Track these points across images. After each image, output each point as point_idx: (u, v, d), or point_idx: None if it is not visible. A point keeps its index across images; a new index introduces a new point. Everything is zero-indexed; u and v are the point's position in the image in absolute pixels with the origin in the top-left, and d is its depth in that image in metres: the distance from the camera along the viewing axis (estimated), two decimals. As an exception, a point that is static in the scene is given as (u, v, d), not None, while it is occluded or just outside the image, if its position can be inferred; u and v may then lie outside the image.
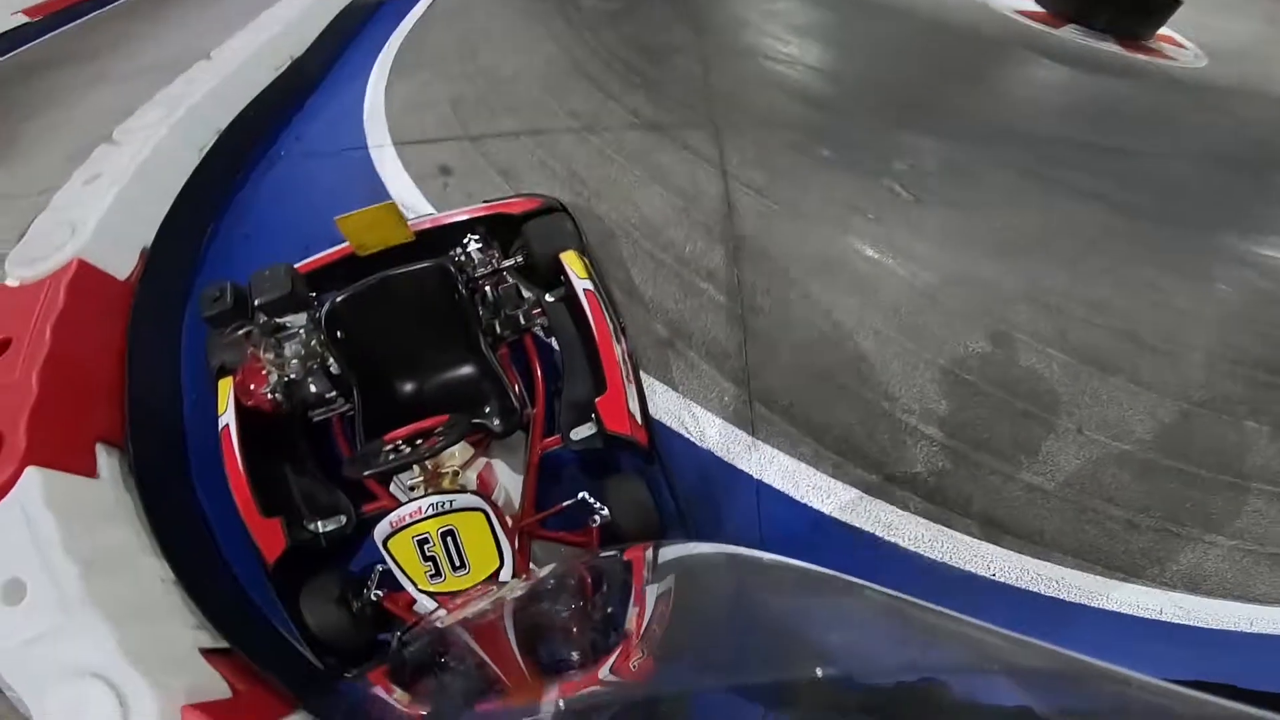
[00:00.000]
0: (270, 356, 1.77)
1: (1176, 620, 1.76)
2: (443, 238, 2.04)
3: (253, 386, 1.74)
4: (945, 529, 1.87)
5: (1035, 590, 1.78)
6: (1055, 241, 2.96)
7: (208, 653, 1.35)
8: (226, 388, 1.73)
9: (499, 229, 2.15)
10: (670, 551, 1.02)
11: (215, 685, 1.28)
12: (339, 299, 1.80)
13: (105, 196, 2.15)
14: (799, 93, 3.87)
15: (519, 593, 1.08)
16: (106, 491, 1.58)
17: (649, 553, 1.03)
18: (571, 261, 1.98)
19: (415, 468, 1.59)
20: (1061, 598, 1.77)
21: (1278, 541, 1.96)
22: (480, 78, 3.73)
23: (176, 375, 2.09)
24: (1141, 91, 4.82)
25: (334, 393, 1.82)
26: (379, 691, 1.02)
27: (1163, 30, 5.80)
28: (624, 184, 2.92)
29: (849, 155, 3.29)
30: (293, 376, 1.77)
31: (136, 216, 2.25)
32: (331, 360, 1.80)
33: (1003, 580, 1.79)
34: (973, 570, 1.80)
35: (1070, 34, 5.65)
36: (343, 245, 2.02)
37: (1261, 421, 2.29)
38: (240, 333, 1.82)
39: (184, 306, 2.31)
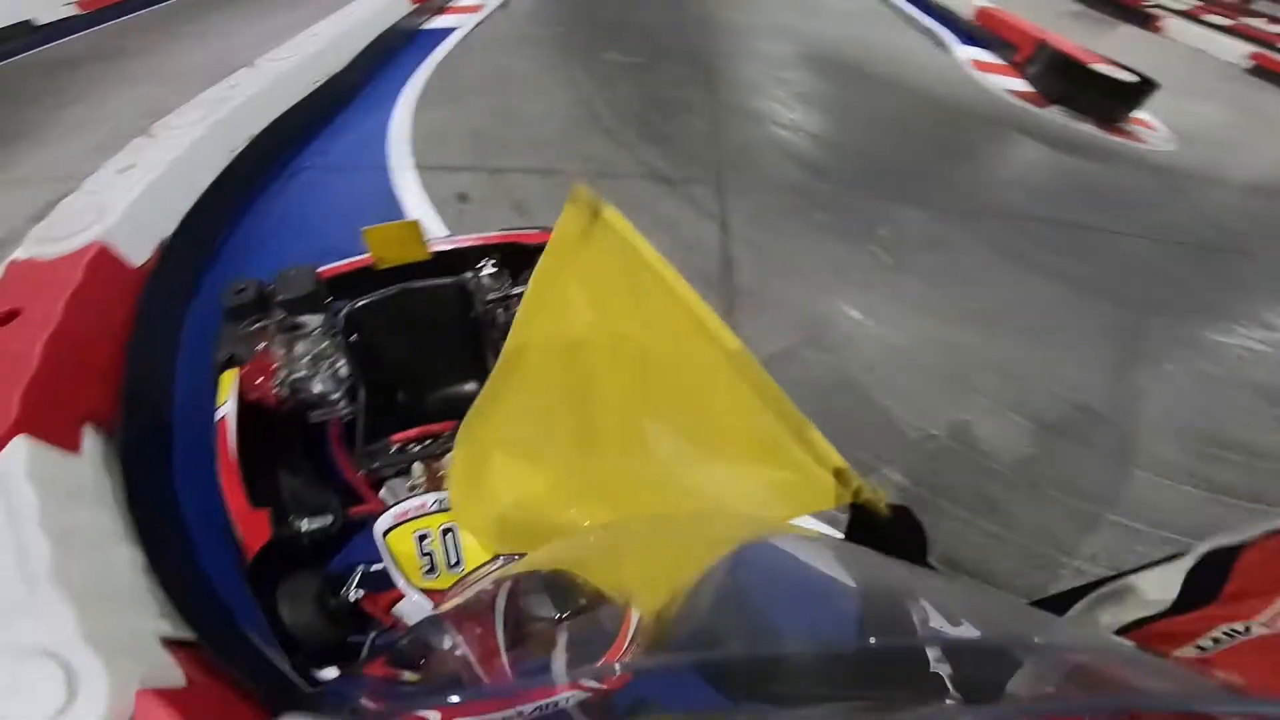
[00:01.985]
0: (282, 352, 1.80)
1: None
2: (457, 260, 2.11)
3: (260, 379, 1.75)
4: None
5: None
6: (1023, 314, 3.21)
7: (168, 642, 1.30)
8: (230, 379, 1.71)
9: (512, 258, 2.21)
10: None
11: (171, 674, 1.23)
12: (359, 304, 1.86)
13: (136, 186, 2.21)
14: (798, 157, 4.15)
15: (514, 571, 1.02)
16: (88, 471, 1.57)
17: None
18: None
19: (417, 470, 1.66)
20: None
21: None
22: (503, 114, 3.97)
23: (173, 368, 2.13)
24: (1114, 172, 5.16)
25: (338, 394, 1.84)
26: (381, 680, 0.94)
27: (1138, 114, 6.20)
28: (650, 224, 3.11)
29: (839, 220, 3.54)
30: (301, 374, 1.79)
31: (161, 209, 2.32)
32: (340, 363, 1.83)
33: None
34: None
35: (1054, 114, 6.04)
36: (362, 256, 2.07)
37: (1198, 487, 2.51)
38: (256, 326, 1.86)
39: (189, 301, 2.36)
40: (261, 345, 1.82)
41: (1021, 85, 6.56)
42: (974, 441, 2.49)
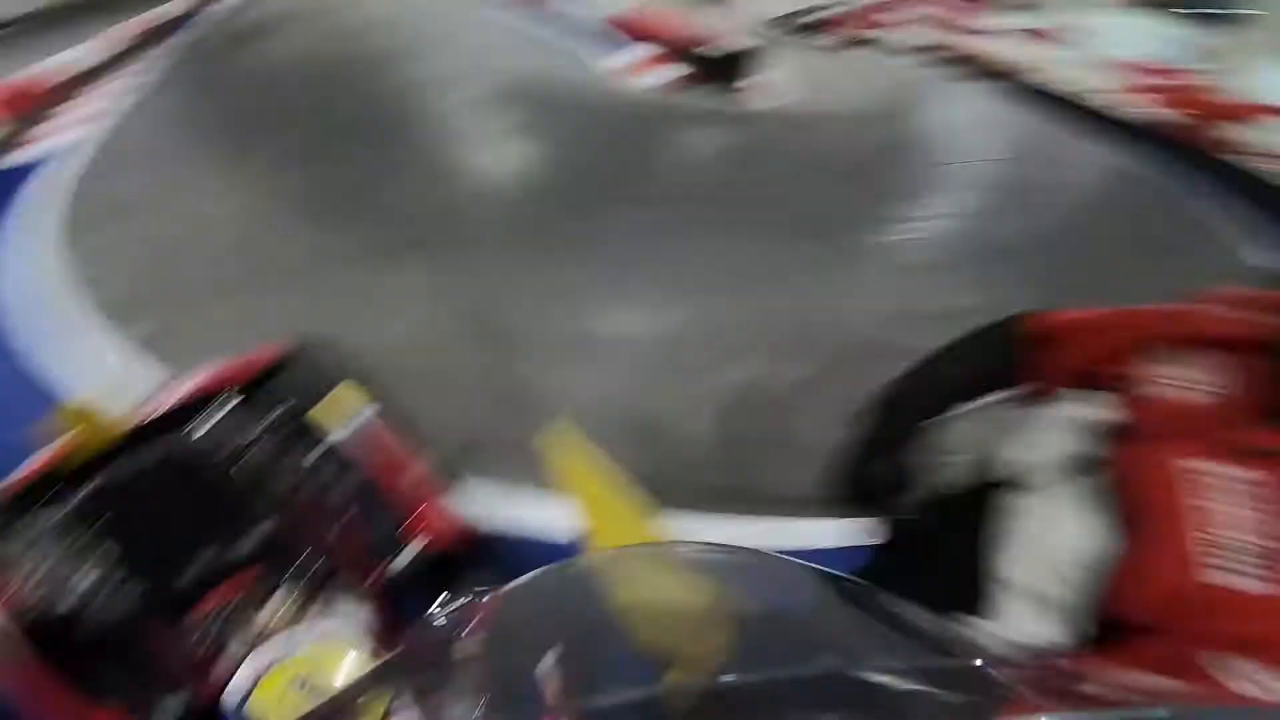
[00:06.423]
0: (17, 572, 1.58)
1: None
2: (177, 417, 1.87)
3: (8, 605, 1.53)
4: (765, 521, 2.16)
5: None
6: (748, 271, 3.57)
7: None
8: None
9: (246, 390, 1.99)
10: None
11: None
12: (78, 500, 1.66)
13: None
14: (511, 195, 4.22)
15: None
16: None
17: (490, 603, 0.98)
18: (340, 399, 1.94)
19: (243, 634, 1.52)
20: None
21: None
22: (174, 238, 3.39)
23: None
24: (756, 132, 6.12)
25: (106, 592, 1.62)
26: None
27: (756, 78, 7.37)
28: (372, 315, 2.89)
29: (567, 243, 3.63)
30: (44, 590, 1.58)
31: None
32: (89, 564, 1.62)
33: (828, 546, 1.93)
34: (806, 547, 2.02)
35: (699, 96, 6.98)
36: (49, 451, 1.79)
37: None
38: None
39: None
40: None
41: (663, 77, 7.44)
42: (768, 390, 2.73)
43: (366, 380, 2.22)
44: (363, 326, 2.77)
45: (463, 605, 1.04)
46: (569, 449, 1.18)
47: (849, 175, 5.31)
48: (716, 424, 2.54)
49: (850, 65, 8.80)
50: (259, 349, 2.13)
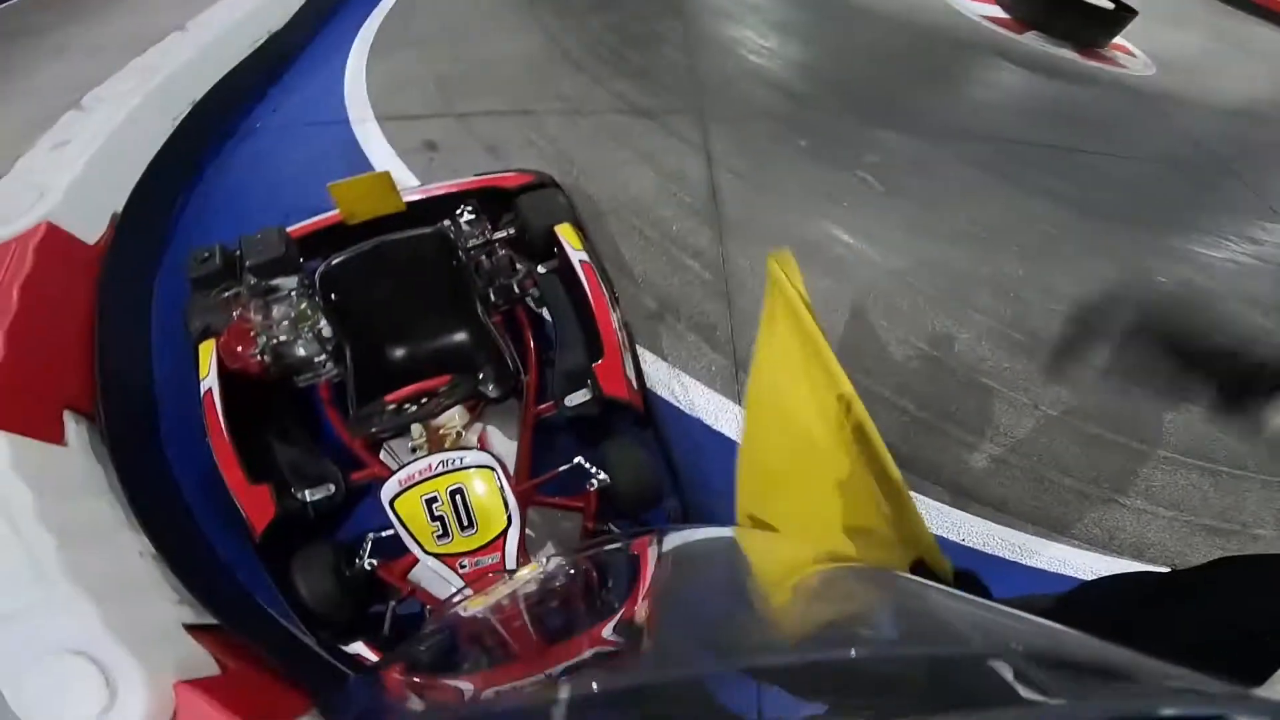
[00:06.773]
0: (259, 318, 1.73)
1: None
2: (433, 209, 2.04)
3: (239, 349, 1.67)
4: (917, 495, 1.98)
5: (1000, 555, 1.90)
6: (1014, 233, 3.15)
7: (193, 629, 1.28)
8: (209, 351, 1.66)
9: (490, 202, 2.16)
10: (676, 538, 1.02)
11: (204, 662, 1.22)
12: (335, 261, 1.78)
13: (76, 161, 2.10)
14: (777, 85, 4.01)
15: (532, 586, 1.06)
16: (76, 461, 1.51)
17: (654, 542, 1.01)
18: (566, 234, 2.02)
19: (416, 431, 1.60)
20: (1023, 563, 1.89)
21: (1212, 514, 2.14)
22: (465, 59, 3.73)
23: (147, 343, 2.04)
24: (1094, 96, 5.09)
25: (323, 356, 1.78)
26: (395, 689, 1.02)
27: (1116, 40, 6.10)
28: (612, 164, 2.98)
29: (824, 147, 3.44)
30: (282, 339, 1.72)
31: (107, 182, 2.21)
32: (322, 325, 1.76)
33: (970, 545, 1.91)
34: (943, 535, 1.91)
35: (1031, 40, 5.90)
36: (331, 213, 2.00)
37: (1195, 403, 2.48)
38: (228, 294, 1.79)
39: (155, 273, 2.26)
40: (236, 313, 1.73)
41: (997, 11, 6.38)
42: (976, 362, 2.44)
43: (587, 223, 2.30)
44: (598, 172, 2.91)
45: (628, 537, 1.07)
46: (785, 276, 1.07)
47: (1195, 174, 4.25)
48: (900, 377, 2.32)
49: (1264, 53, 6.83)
50: (505, 174, 2.32)
